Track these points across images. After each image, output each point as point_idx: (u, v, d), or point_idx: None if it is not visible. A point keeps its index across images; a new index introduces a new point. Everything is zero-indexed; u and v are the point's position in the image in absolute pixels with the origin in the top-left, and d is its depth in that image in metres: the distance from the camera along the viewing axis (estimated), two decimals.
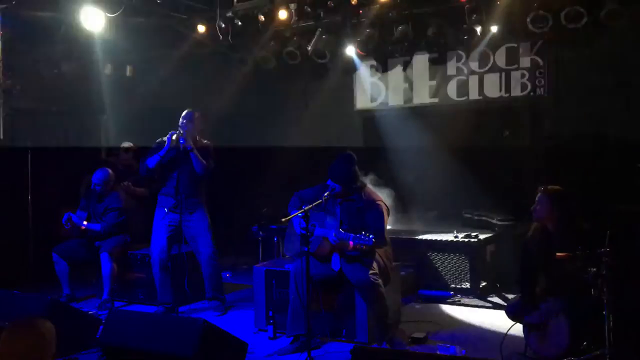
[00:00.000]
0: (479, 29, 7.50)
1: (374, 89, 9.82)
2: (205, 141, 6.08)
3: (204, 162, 5.83)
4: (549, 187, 4.54)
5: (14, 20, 7.05)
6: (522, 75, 8.64)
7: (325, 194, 4.78)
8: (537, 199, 4.55)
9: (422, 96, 9.45)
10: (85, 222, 6.37)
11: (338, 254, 4.86)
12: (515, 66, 8.66)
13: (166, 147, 5.78)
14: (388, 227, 5.03)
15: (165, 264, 5.89)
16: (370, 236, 4.44)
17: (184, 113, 5.94)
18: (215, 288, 6.08)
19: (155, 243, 5.95)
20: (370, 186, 5.15)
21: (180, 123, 5.85)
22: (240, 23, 7.81)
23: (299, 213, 4.61)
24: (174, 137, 5.73)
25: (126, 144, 7.83)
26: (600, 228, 4.16)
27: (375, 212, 4.83)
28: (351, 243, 4.55)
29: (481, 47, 8.48)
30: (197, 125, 5.97)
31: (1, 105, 7.28)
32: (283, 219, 4.86)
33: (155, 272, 5.98)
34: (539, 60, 8.49)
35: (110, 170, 6.52)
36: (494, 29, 7.57)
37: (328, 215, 4.92)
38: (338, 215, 4.91)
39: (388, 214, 4.98)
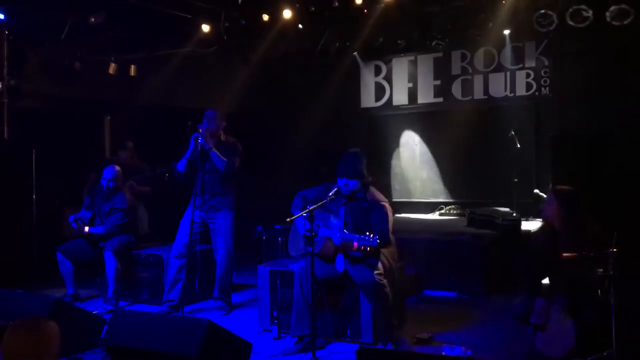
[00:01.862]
0: (484, 29, 7.47)
1: (378, 88, 9.82)
2: (232, 139, 6.10)
3: (225, 159, 5.83)
4: (558, 187, 4.52)
5: (19, 20, 7.05)
6: (527, 75, 8.63)
7: (331, 194, 4.76)
8: (545, 198, 4.53)
9: (427, 95, 9.44)
10: (86, 228, 6.34)
11: (342, 255, 4.84)
12: (521, 66, 8.65)
13: (190, 148, 5.83)
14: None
15: (180, 266, 5.91)
16: (375, 237, 4.42)
17: (206, 112, 5.96)
18: (222, 289, 6.08)
19: (176, 242, 5.99)
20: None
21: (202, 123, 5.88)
22: (244, 22, 7.82)
23: (303, 213, 4.59)
24: (194, 138, 5.76)
25: (128, 144, 7.82)
26: (607, 228, 4.14)
27: (379, 213, 4.81)
28: (355, 244, 4.52)
29: (486, 46, 8.47)
30: (220, 123, 6.00)
31: (6, 105, 7.29)
32: (287, 219, 4.84)
33: (168, 268, 6.01)
34: (544, 59, 8.47)
35: (118, 167, 6.52)
36: (499, 28, 7.55)
37: (332, 215, 4.90)
38: (342, 215, 4.89)
39: (392, 215, 4.96)
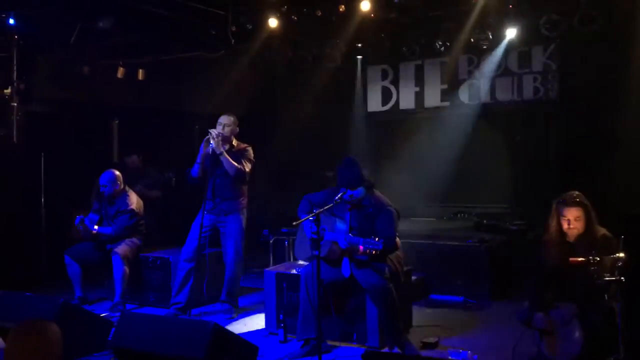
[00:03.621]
0: (491, 33, 7.46)
1: (385, 92, 9.82)
2: (244, 145, 6.13)
3: (236, 164, 5.86)
4: (574, 193, 4.47)
5: (29, 25, 7.10)
6: (535, 79, 8.61)
7: (337, 198, 4.77)
8: (556, 206, 4.48)
9: (434, 99, 9.44)
10: (96, 227, 6.37)
11: (348, 259, 4.85)
12: (528, 70, 8.63)
13: (200, 153, 5.87)
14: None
15: (189, 269, 5.94)
16: (380, 240, 4.43)
17: (220, 118, 5.98)
18: (230, 293, 6.10)
19: (186, 245, 6.01)
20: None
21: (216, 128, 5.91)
22: (250, 27, 7.83)
23: (310, 217, 4.60)
24: (205, 142, 5.80)
25: (133, 155, 7.85)
26: (614, 233, 4.13)
27: (385, 217, 4.81)
28: (361, 247, 4.53)
29: (493, 50, 8.45)
30: (233, 129, 6.03)
31: (15, 109, 7.34)
32: (294, 223, 4.85)
33: (177, 271, 6.03)
34: (552, 63, 8.45)
35: (116, 171, 6.51)
36: (506, 32, 7.52)
37: (337, 219, 4.90)
38: (347, 219, 4.90)
39: (398, 218, 4.96)
